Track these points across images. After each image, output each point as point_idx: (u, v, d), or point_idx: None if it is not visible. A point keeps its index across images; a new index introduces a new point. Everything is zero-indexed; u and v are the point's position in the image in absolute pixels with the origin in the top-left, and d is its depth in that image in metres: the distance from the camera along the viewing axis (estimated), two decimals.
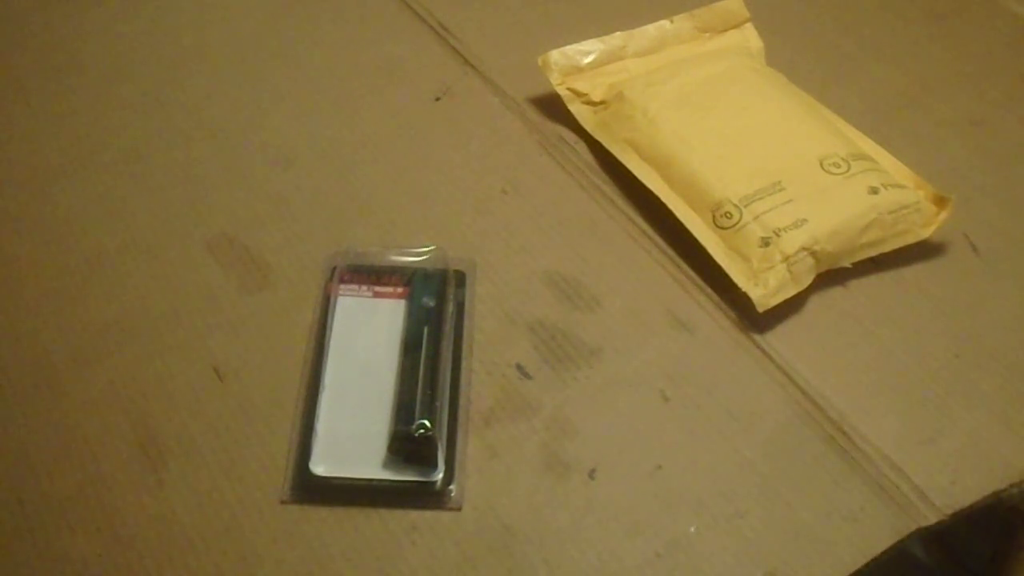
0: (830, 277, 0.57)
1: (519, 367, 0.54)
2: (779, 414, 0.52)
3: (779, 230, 0.56)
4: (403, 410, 0.50)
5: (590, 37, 0.68)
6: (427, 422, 0.49)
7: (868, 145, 0.64)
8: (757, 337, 0.55)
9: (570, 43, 0.68)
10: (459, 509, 0.48)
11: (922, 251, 0.59)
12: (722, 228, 0.58)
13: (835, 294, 0.58)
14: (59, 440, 0.50)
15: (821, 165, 0.59)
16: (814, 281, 0.56)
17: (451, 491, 0.48)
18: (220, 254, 0.59)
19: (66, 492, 0.48)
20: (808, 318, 0.56)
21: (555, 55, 0.67)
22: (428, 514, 0.48)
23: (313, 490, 0.48)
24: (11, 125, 0.67)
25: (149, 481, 0.49)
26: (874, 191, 0.58)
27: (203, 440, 0.50)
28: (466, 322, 0.55)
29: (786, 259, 0.55)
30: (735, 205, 0.58)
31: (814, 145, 0.61)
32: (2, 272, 0.58)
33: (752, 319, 0.56)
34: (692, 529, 0.48)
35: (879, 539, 0.47)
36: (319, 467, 0.49)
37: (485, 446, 0.50)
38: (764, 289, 0.55)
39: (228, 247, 0.59)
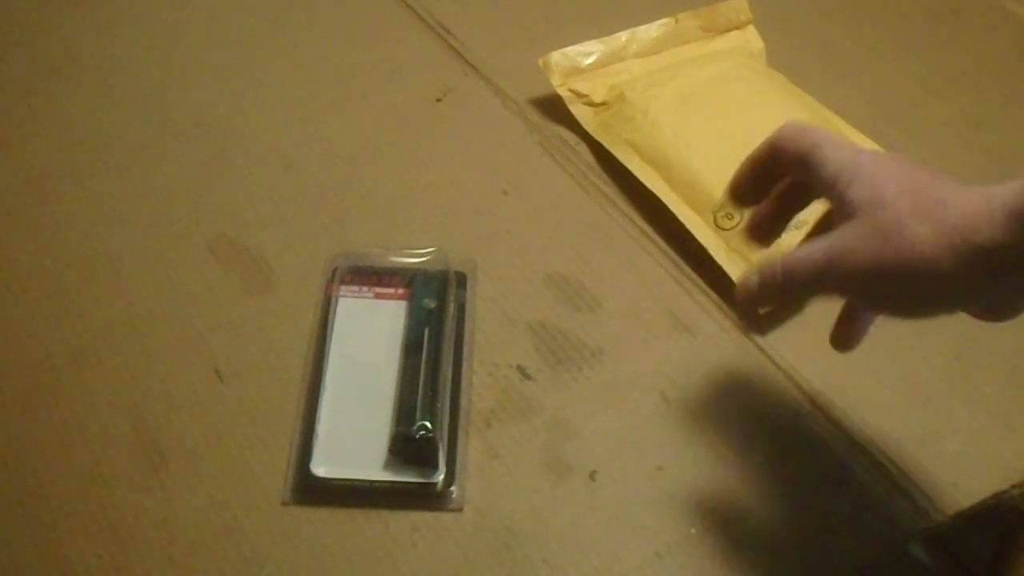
0: None
1: (520, 368, 0.54)
2: (780, 415, 0.52)
3: None
4: (404, 411, 0.50)
5: (591, 37, 0.68)
6: (428, 423, 0.49)
7: (870, 146, 0.63)
8: (758, 338, 0.55)
9: (571, 43, 0.68)
10: (460, 510, 0.48)
11: None
12: (723, 229, 0.58)
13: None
14: (59, 440, 0.50)
15: None
16: None
17: (452, 492, 0.48)
18: (221, 255, 0.59)
19: (66, 492, 0.48)
20: (809, 319, 0.56)
21: (556, 56, 0.67)
22: (429, 515, 0.48)
23: (314, 491, 0.48)
24: (11, 125, 0.66)
25: (149, 482, 0.49)
26: None
27: (204, 441, 0.50)
28: (467, 323, 0.55)
29: None
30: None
31: None
32: (2, 273, 0.58)
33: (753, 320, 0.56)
34: (693, 530, 0.48)
35: (879, 539, 0.47)
36: (320, 468, 0.49)
37: (486, 447, 0.50)
38: None
39: (229, 248, 0.59)
